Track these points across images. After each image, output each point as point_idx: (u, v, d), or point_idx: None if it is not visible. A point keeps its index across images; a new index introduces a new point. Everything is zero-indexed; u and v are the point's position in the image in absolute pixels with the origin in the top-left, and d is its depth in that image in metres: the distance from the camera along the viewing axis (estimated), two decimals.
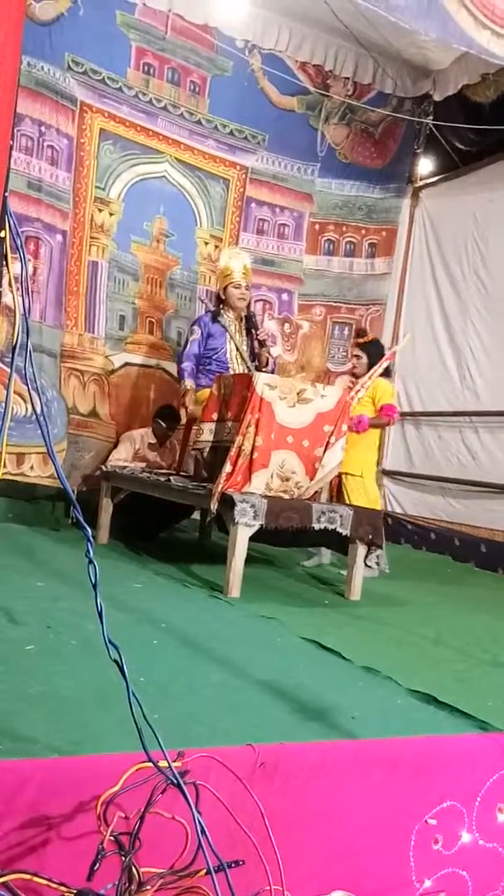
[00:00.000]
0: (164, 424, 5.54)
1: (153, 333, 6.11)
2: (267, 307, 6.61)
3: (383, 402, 5.01)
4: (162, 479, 4.65)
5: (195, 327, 5.15)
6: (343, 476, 4.87)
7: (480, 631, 3.68)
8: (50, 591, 3.39)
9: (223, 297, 5.13)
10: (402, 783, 1.86)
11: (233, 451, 3.99)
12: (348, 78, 6.52)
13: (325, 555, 5.07)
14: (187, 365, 5.05)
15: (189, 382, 5.02)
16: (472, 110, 6.28)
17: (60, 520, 5.37)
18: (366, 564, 4.26)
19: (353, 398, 4.87)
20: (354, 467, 4.90)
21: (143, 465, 5.39)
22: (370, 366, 5.05)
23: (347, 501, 4.84)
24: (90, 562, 1.48)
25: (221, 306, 5.15)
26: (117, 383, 5.91)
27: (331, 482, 4.79)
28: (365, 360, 5.07)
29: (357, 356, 5.10)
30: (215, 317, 5.13)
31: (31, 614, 2.89)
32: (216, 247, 6.28)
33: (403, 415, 6.89)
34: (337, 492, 4.98)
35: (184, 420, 5.32)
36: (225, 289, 5.12)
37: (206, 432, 4.43)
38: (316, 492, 4.35)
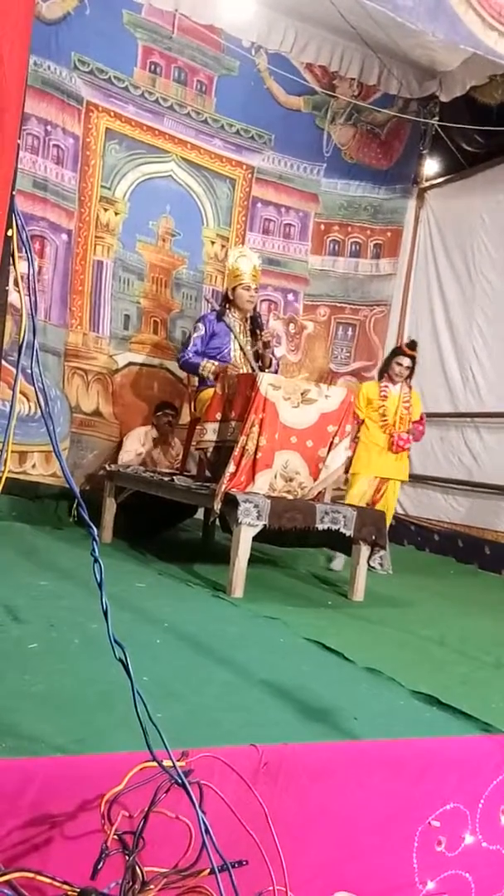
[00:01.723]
0: (162, 414, 5.62)
1: (157, 333, 6.11)
2: (272, 307, 6.61)
3: (420, 411, 5.42)
4: (165, 478, 4.64)
5: (199, 324, 5.04)
6: (393, 483, 5.36)
7: (484, 633, 3.68)
8: (53, 589, 3.40)
9: (231, 298, 5.05)
10: (405, 785, 1.86)
11: (236, 451, 3.98)
12: (354, 78, 6.52)
13: (339, 560, 5.04)
14: (191, 355, 4.93)
15: (205, 360, 4.88)
16: (478, 112, 6.29)
17: (63, 518, 5.38)
18: (369, 566, 4.26)
19: (408, 408, 5.28)
20: (404, 473, 5.44)
21: (147, 464, 5.40)
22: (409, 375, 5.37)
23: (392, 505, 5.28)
24: (96, 560, 1.48)
25: (227, 306, 5.07)
26: (121, 383, 5.91)
27: (377, 489, 5.25)
28: (410, 370, 5.33)
29: (409, 367, 5.29)
30: (220, 316, 5.02)
31: (33, 613, 2.90)
32: (222, 246, 6.28)
33: None
34: (382, 497, 5.32)
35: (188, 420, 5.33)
36: (233, 289, 5.03)
37: (210, 432, 4.42)
38: (319, 492, 4.34)
